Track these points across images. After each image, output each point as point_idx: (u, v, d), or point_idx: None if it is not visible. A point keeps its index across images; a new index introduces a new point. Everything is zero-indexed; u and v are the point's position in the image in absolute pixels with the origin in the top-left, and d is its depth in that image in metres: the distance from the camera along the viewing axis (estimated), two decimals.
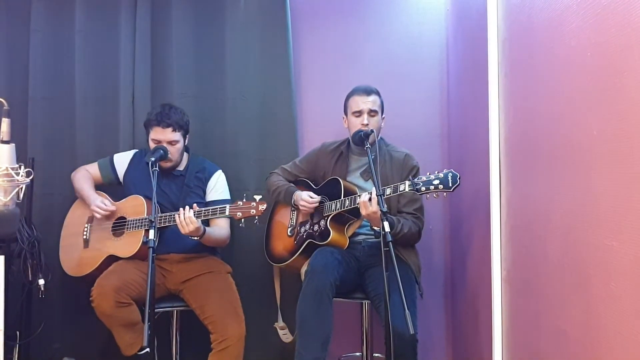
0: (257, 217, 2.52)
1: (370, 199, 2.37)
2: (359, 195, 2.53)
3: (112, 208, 2.79)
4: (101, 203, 2.78)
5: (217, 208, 2.57)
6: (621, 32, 1.39)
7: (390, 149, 2.82)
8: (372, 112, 2.71)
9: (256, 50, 3.21)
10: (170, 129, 2.75)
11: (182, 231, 2.54)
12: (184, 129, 2.82)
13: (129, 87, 3.17)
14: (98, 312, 2.52)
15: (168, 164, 2.80)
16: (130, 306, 2.54)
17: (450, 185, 2.33)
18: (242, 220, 2.52)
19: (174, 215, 2.57)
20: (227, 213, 2.52)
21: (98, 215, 2.79)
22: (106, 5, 3.19)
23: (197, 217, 2.55)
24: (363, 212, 2.40)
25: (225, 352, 2.54)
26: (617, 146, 1.41)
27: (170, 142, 2.77)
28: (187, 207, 2.56)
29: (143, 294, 2.57)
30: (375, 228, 2.29)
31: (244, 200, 2.53)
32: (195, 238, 2.63)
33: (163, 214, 2.63)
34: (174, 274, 2.77)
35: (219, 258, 2.93)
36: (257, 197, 2.50)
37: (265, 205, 2.50)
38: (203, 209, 2.58)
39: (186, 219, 2.52)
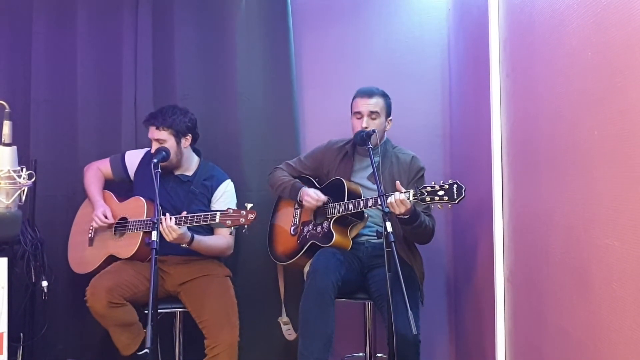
0: (246, 227, 2.49)
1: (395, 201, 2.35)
2: (363, 200, 2.53)
3: (111, 221, 2.80)
4: (101, 214, 2.80)
5: (207, 215, 2.56)
6: (622, 32, 1.39)
7: (397, 151, 2.81)
8: (372, 115, 2.70)
9: (258, 51, 3.21)
10: (153, 127, 2.76)
11: (167, 239, 2.51)
12: (173, 128, 2.77)
13: (131, 89, 3.17)
14: (92, 312, 2.55)
15: (165, 163, 2.77)
16: (123, 307, 2.55)
17: (456, 197, 2.32)
18: (232, 228, 2.52)
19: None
20: (217, 220, 2.51)
21: (95, 225, 2.82)
22: (108, 7, 3.20)
23: (183, 224, 2.55)
24: (401, 210, 2.37)
25: (216, 359, 2.54)
26: (619, 146, 1.41)
27: (158, 141, 2.76)
28: (167, 215, 2.55)
29: (137, 295, 2.60)
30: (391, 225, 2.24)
31: (235, 208, 2.54)
32: (184, 245, 2.63)
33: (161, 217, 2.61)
34: (172, 275, 2.77)
35: (219, 261, 2.91)
36: (248, 206, 2.48)
37: (254, 215, 2.47)
38: (189, 215, 2.57)
39: (167, 227, 2.51)
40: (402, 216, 2.41)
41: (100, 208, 2.82)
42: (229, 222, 2.49)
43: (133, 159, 2.97)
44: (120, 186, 2.99)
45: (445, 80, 3.27)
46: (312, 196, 2.69)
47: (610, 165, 1.46)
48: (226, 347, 2.54)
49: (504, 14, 2.29)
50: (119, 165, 2.97)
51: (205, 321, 2.61)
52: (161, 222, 2.52)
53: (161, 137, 2.76)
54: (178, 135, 2.80)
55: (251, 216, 2.47)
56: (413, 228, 2.49)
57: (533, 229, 2.03)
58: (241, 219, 2.47)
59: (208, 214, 2.56)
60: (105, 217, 2.80)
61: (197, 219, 2.56)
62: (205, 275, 2.76)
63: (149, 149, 2.97)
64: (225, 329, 2.58)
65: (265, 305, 3.06)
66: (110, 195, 2.95)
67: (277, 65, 3.21)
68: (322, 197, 2.69)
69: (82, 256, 2.88)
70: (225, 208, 2.56)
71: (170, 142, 2.78)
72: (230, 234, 2.57)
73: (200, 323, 2.63)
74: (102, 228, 2.83)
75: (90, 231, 2.88)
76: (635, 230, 1.34)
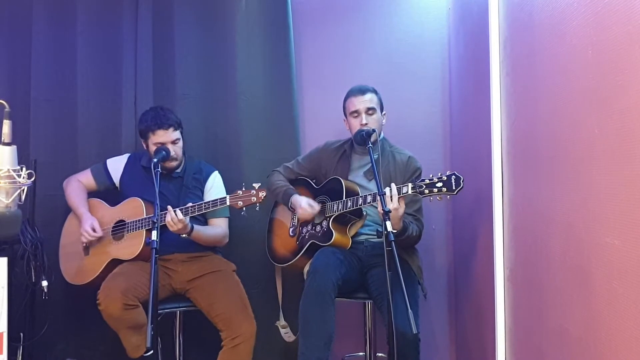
0: (258, 204, 2.55)
1: (391, 197, 2.35)
2: (362, 197, 2.53)
3: (100, 234, 2.79)
4: (90, 228, 2.78)
5: (217, 200, 2.59)
6: (622, 30, 1.39)
7: (394, 150, 2.81)
8: (369, 111, 2.71)
9: (258, 50, 3.21)
10: (172, 129, 2.79)
11: (171, 229, 2.56)
12: (181, 126, 2.85)
13: (131, 88, 3.17)
14: (105, 315, 2.51)
15: (174, 163, 2.83)
16: (137, 308, 2.54)
17: (454, 188, 2.32)
18: (244, 209, 2.55)
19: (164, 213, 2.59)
20: (227, 203, 2.56)
21: (84, 240, 2.80)
22: (108, 6, 3.20)
23: (191, 213, 2.59)
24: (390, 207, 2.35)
25: (237, 349, 2.55)
26: (619, 144, 1.41)
27: (174, 142, 2.80)
28: (170, 208, 2.58)
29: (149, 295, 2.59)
30: (391, 226, 2.22)
31: (243, 189, 2.56)
32: (184, 236, 2.65)
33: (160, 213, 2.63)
34: (179, 273, 2.78)
35: (221, 257, 2.93)
36: (256, 185, 2.54)
37: (265, 193, 2.54)
38: (196, 203, 2.61)
39: (172, 219, 2.55)
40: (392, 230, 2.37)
41: (88, 221, 2.81)
42: (240, 203, 2.54)
43: (116, 165, 2.97)
44: (103, 195, 2.98)
45: (445, 79, 3.27)
46: (310, 206, 2.68)
47: (611, 164, 1.46)
48: (247, 337, 2.56)
49: (504, 12, 2.28)
50: (102, 173, 2.96)
51: (221, 314, 2.61)
52: (168, 213, 2.56)
53: (177, 136, 2.82)
54: (182, 133, 2.87)
55: (262, 194, 2.53)
56: (399, 241, 2.47)
57: (533, 228, 2.02)
58: (253, 198, 2.53)
59: (217, 200, 2.60)
60: (94, 230, 2.79)
61: (205, 206, 2.60)
62: (213, 271, 2.77)
63: (129, 154, 3.02)
64: (246, 320, 2.60)
65: (264, 306, 3.05)
66: (100, 202, 2.94)
67: (277, 64, 3.21)
68: (316, 207, 2.69)
69: (79, 266, 2.86)
70: (217, 197, 2.61)
71: (181, 140, 2.85)
72: (242, 214, 2.58)
73: (216, 317, 2.62)
74: (92, 241, 2.82)
75: (84, 241, 2.86)
76: (636, 229, 1.34)
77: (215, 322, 2.63)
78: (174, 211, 2.56)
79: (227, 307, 2.62)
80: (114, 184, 2.96)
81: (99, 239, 2.82)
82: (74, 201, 2.90)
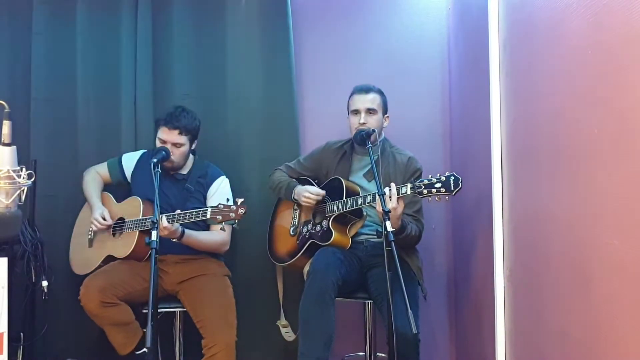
0: (236, 221, 2.48)
1: (390, 197, 2.35)
2: (361, 197, 2.53)
3: (109, 222, 2.81)
4: (99, 217, 2.80)
5: (199, 211, 2.54)
6: (621, 31, 1.39)
7: (394, 151, 2.81)
8: (370, 111, 2.71)
9: (257, 50, 3.21)
10: (176, 132, 2.76)
11: (160, 234, 2.49)
12: (191, 133, 2.81)
13: (131, 88, 3.17)
14: (86, 311, 2.57)
15: (168, 165, 2.81)
16: (116, 306, 2.56)
17: (452, 188, 2.32)
18: (223, 223, 2.51)
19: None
20: (208, 216, 2.50)
21: (94, 228, 2.82)
22: (107, 6, 3.19)
23: (176, 221, 2.56)
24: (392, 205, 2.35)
25: (214, 359, 2.53)
26: (619, 144, 1.41)
27: (175, 145, 2.78)
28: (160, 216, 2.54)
29: (133, 295, 2.61)
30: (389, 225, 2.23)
31: (226, 202, 2.51)
32: (175, 240, 2.64)
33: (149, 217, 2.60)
34: (170, 274, 2.77)
35: (219, 260, 2.91)
36: (239, 201, 2.47)
37: (244, 209, 2.46)
38: (182, 212, 2.58)
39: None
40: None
41: (98, 210, 2.83)
42: (219, 217, 2.48)
43: (130, 161, 2.98)
44: (118, 189, 2.99)
45: (445, 80, 3.26)
46: (311, 192, 2.69)
47: (611, 164, 1.46)
48: (223, 347, 2.53)
49: (503, 13, 2.29)
50: (117, 167, 2.97)
51: (202, 320, 2.60)
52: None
53: (180, 141, 2.78)
54: (192, 140, 2.85)
55: (241, 211, 2.46)
56: (398, 240, 2.47)
57: (533, 228, 2.03)
58: (231, 214, 2.46)
59: (200, 211, 2.56)
60: (104, 219, 2.80)
61: (189, 215, 2.57)
62: (203, 274, 2.76)
63: (144, 150, 3.00)
64: (223, 329, 2.57)
65: (264, 305, 3.06)
66: (109, 196, 2.95)
67: (277, 64, 3.20)
68: (321, 192, 2.69)
69: (83, 258, 2.89)
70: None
71: (185, 147, 2.82)
72: (222, 229, 2.56)
73: (198, 322, 2.62)
74: (102, 229, 2.84)
75: (90, 233, 2.89)
76: (636, 229, 1.34)
77: (198, 328, 2.62)
78: (161, 217, 2.53)
79: (208, 314, 2.61)
80: (126, 179, 2.97)
81: (103, 232, 2.84)
82: (88, 191, 2.93)
